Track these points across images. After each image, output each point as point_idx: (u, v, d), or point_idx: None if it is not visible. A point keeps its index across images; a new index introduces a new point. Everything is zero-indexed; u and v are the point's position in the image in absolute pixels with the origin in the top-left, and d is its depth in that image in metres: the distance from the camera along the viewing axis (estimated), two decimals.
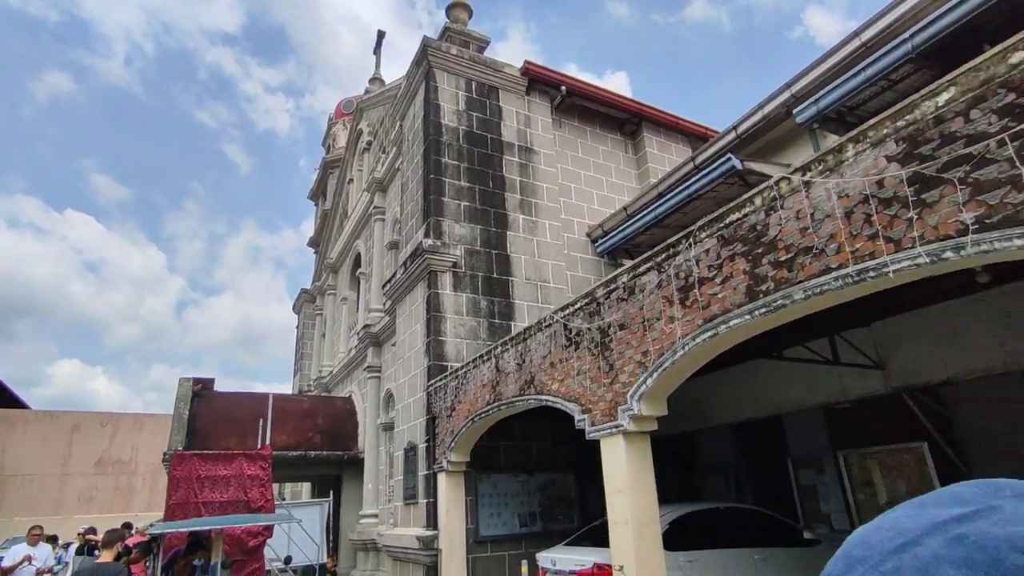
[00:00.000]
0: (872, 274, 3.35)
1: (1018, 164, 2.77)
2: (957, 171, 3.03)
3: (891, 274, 3.24)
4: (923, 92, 3.22)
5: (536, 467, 9.91)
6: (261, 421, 11.03)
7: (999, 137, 2.86)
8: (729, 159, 8.68)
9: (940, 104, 3.13)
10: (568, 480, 10.13)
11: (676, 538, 6.18)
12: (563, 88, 12.64)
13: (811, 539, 7.24)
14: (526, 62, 12.43)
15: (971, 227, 2.93)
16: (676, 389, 5.16)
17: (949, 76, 3.10)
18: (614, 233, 11.36)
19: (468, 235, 10.86)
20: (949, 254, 3.00)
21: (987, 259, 2.89)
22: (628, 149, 13.96)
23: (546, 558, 6.66)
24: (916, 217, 3.18)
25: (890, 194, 3.34)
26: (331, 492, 14.48)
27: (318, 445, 14.58)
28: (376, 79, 20.89)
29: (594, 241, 12.14)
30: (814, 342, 7.81)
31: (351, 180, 20.00)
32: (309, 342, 24.11)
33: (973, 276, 5.16)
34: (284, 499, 20.60)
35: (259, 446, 12.02)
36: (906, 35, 6.41)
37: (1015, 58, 2.84)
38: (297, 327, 25.65)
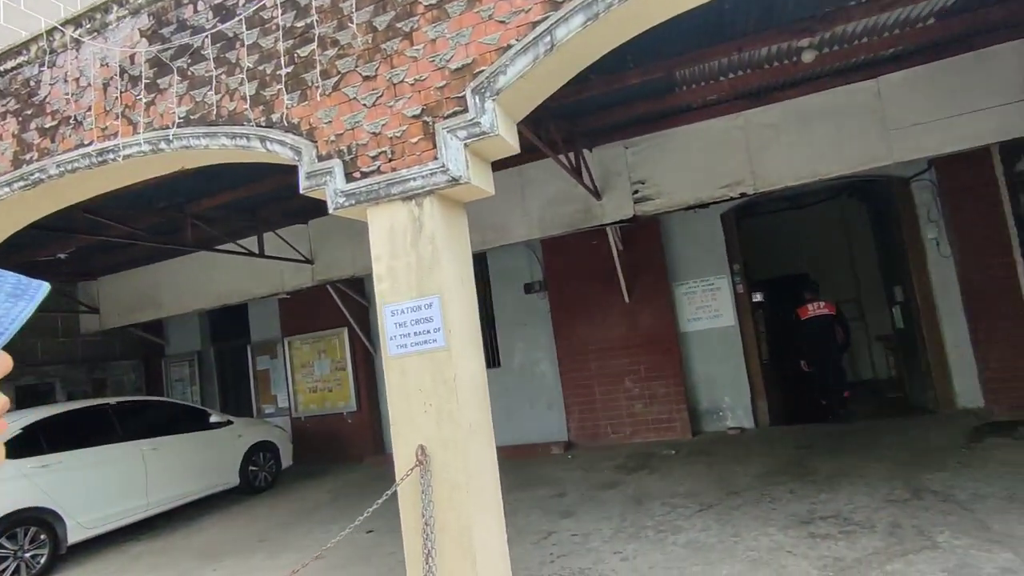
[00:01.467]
0: (111, 156, 3.10)
1: (213, 67, 2.80)
2: (182, 61, 2.95)
3: (122, 158, 3.04)
4: None
5: None
6: None
7: (207, 34, 2.85)
8: None
9: None
10: None
11: (33, 443, 5.59)
12: None
13: (220, 422, 7.55)
14: None
15: (178, 121, 2.91)
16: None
17: None
18: None
19: None
20: (163, 145, 2.95)
21: (188, 156, 2.93)
22: None
23: None
24: (150, 103, 3.02)
25: (138, 72, 3.10)
26: None
27: None
28: None
29: None
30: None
31: None
32: None
33: None
34: None
35: None
36: None
37: None
38: None
